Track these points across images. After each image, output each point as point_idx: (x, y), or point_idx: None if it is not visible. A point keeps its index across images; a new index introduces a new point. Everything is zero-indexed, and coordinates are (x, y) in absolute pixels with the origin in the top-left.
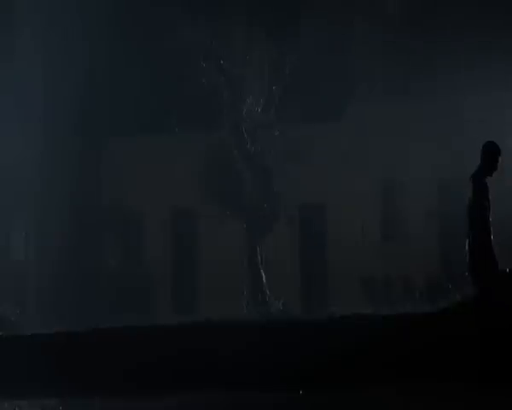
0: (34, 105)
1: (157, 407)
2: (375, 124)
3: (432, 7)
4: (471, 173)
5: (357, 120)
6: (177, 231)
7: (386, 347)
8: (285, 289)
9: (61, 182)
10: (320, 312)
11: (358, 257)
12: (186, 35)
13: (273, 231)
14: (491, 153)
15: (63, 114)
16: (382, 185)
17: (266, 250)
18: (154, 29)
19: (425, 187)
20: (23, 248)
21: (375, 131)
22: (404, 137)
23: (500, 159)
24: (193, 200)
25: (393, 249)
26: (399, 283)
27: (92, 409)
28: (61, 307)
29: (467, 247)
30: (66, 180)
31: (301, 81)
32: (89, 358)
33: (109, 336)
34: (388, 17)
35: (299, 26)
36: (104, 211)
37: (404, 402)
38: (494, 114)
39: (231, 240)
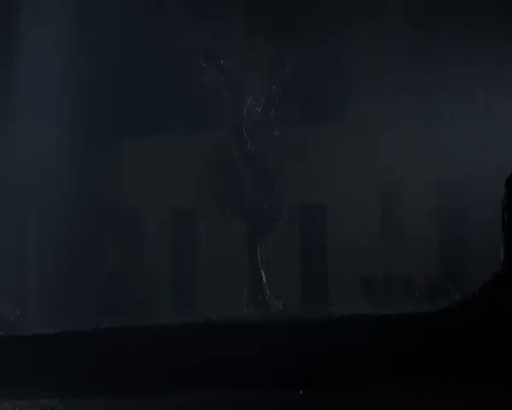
0: (33, 104)
1: (157, 406)
2: (376, 124)
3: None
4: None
5: (358, 119)
6: (177, 231)
7: (386, 347)
8: (285, 289)
9: (60, 182)
10: (320, 312)
11: (358, 257)
12: (186, 35)
13: (273, 231)
14: None
15: (62, 114)
16: (382, 185)
17: (266, 250)
18: (155, 29)
19: (425, 187)
20: (23, 248)
21: (375, 130)
22: (404, 136)
23: None
24: (193, 200)
25: (393, 249)
26: (399, 283)
27: (92, 409)
28: (60, 308)
29: (502, 250)
30: (65, 180)
31: (301, 81)
32: (88, 358)
33: (109, 337)
34: (388, 16)
35: (299, 26)
36: (104, 211)
37: (403, 402)
38: (497, 113)
39: (231, 240)
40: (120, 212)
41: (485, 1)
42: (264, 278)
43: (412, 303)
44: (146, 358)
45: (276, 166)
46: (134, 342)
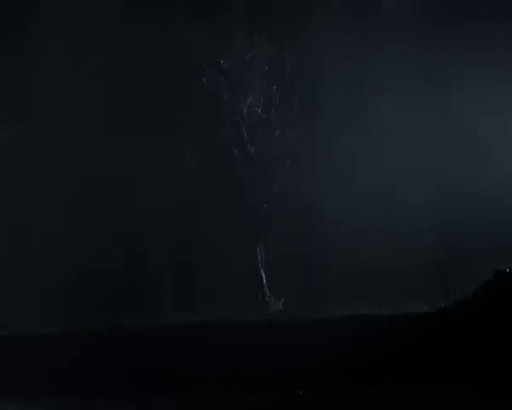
0: (34, 104)
1: (157, 405)
2: (376, 123)
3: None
4: None
5: (358, 119)
6: (177, 231)
7: (386, 346)
8: (285, 289)
9: (60, 181)
10: (320, 312)
11: (358, 257)
12: (186, 35)
13: (273, 231)
14: None
15: (62, 114)
16: (382, 185)
17: (266, 250)
18: (155, 29)
19: (426, 187)
20: (23, 248)
21: (375, 130)
22: (404, 136)
23: None
24: (193, 200)
25: (393, 250)
26: (399, 283)
27: (93, 409)
28: (60, 308)
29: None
30: (65, 180)
31: (301, 81)
32: (88, 358)
33: (109, 337)
34: (387, 16)
35: (299, 26)
36: (104, 211)
37: (403, 402)
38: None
39: (231, 240)
40: (120, 211)
41: None
42: (264, 278)
43: (412, 303)
44: (146, 358)
45: (276, 166)
46: (134, 341)
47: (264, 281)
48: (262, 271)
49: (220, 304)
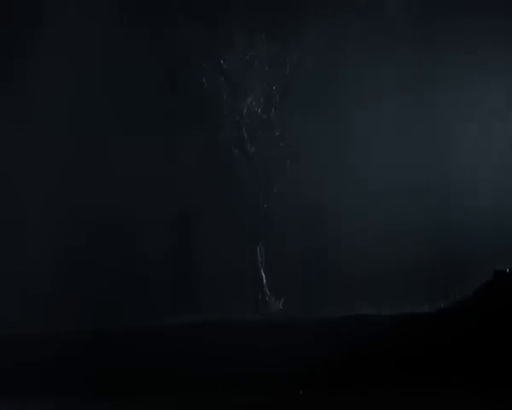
0: (33, 104)
1: (158, 406)
2: (376, 123)
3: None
4: None
5: (358, 119)
6: (176, 231)
7: (386, 347)
8: (285, 289)
9: (60, 181)
10: (320, 312)
11: (358, 257)
12: (186, 35)
13: (273, 231)
14: None
15: (62, 114)
16: (382, 185)
17: (266, 250)
18: (155, 29)
19: (425, 187)
20: (23, 248)
21: (375, 130)
22: (404, 136)
23: None
24: (193, 200)
25: (393, 249)
26: (399, 283)
27: (92, 409)
28: (60, 308)
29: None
30: (65, 180)
31: (301, 81)
32: (88, 358)
33: (109, 337)
34: (388, 17)
35: (299, 26)
36: (104, 210)
37: (403, 402)
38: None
39: (231, 240)
40: (120, 211)
41: None
42: (264, 278)
43: (412, 303)
44: (145, 358)
45: (276, 167)
46: (134, 342)
47: (264, 281)
48: (262, 271)
49: (220, 304)
